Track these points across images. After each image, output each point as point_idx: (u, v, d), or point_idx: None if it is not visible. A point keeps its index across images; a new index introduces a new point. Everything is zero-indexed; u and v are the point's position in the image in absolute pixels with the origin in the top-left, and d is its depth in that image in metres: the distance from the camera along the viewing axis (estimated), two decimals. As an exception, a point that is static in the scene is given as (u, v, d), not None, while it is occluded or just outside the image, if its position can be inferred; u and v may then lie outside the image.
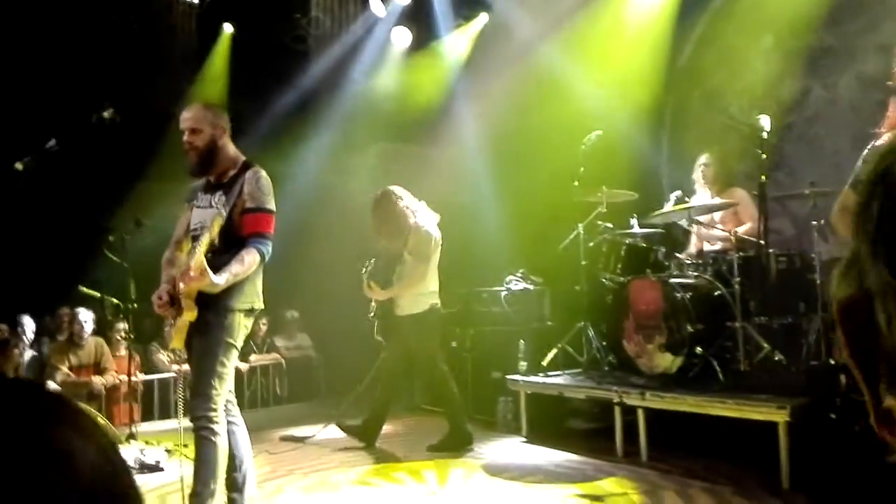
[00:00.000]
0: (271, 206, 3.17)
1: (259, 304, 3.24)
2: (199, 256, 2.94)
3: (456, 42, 8.20)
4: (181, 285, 2.98)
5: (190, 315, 3.01)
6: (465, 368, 5.94)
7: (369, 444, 5.04)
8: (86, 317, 5.77)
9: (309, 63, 8.08)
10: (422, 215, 4.89)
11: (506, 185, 6.78)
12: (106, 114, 3.76)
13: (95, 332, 5.98)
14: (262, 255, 3.08)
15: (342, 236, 7.21)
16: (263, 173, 3.20)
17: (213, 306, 3.04)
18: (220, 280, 2.95)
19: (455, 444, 4.77)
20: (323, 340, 7.80)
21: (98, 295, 5.44)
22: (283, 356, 7.48)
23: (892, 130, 2.90)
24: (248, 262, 3.02)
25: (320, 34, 7.85)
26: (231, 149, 3.27)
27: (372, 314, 5.10)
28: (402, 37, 8.17)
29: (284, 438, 5.43)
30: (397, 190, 4.94)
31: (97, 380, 5.88)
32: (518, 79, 7.04)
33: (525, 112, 6.84)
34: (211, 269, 2.96)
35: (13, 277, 5.81)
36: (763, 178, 4.34)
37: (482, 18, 8.04)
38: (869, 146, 3.00)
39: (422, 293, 4.81)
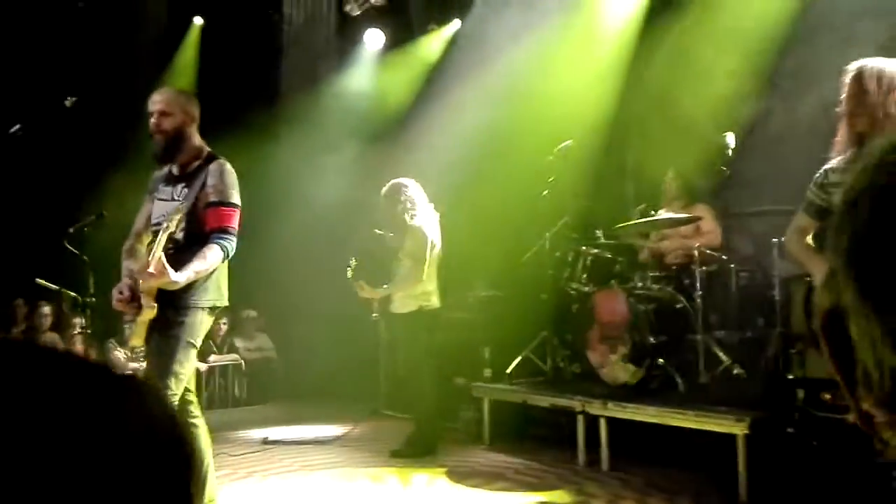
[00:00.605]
0: (236, 199, 3.09)
1: (222, 302, 3.17)
2: (159, 253, 2.86)
3: (428, 46, 8.21)
4: (141, 282, 2.91)
5: (149, 313, 2.92)
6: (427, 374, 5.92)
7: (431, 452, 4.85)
8: (47, 311, 5.60)
9: (280, 59, 8.00)
10: (421, 215, 4.87)
11: (474, 190, 6.80)
12: (67, 102, 3.68)
13: (53, 327, 5.81)
14: (226, 252, 3.00)
15: (310, 236, 7.16)
16: (228, 166, 3.12)
17: (175, 304, 2.98)
18: (181, 278, 2.88)
19: (418, 451, 4.76)
20: (285, 342, 7.71)
21: (56, 288, 5.28)
22: (242, 357, 7.36)
23: (840, 155, 2.99)
24: (210, 259, 2.94)
25: (292, 31, 7.77)
26: (197, 139, 3.18)
27: (375, 315, 5.10)
28: (375, 38, 8.15)
29: (267, 441, 5.33)
30: (404, 184, 4.93)
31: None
32: (489, 86, 7.08)
33: (495, 119, 6.87)
34: (173, 265, 2.88)
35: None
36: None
37: (455, 24, 8.07)
38: (820, 171, 3.10)
39: (412, 293, 4.81)
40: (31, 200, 6.31)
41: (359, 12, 7.66)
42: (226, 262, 3.09)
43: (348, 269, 5.04)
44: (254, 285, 7.19)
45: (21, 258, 5.79)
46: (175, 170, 3.18)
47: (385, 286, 4.94)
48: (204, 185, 3.04)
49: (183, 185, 3.10)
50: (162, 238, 2.89)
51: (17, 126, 3.13)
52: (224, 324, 7.27)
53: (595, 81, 6.58)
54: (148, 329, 2.98)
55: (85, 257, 4.66)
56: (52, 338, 5.85)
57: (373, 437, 5.43)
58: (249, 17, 7.74)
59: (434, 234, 4.88)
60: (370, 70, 8.30)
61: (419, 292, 4.82)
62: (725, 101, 6.16)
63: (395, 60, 8.26)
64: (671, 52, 6.55)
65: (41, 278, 5.26)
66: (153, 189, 3.25)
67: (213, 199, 3.02)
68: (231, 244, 3.02)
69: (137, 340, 3.01)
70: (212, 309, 3.10)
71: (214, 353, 7.17)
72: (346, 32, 8.09)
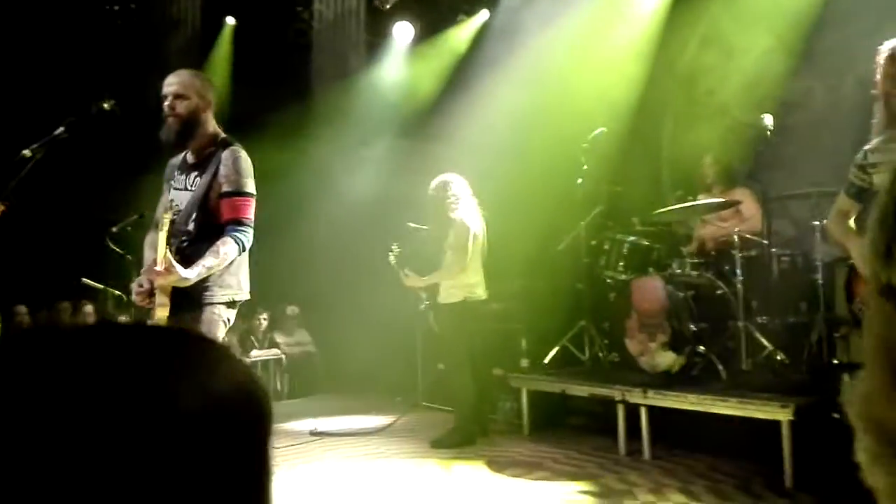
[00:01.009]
0: (250, 188, 2.94)
1: (242, 296, 3.02)
2: (163, 251, 2.76)
3: (458, 37, 8.19)
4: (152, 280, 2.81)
5: (161, 311, 2.78)
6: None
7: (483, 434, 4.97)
8: (90, 310, 5.74)
9: (310, 55, 8.05)
10: (464, 208, 4.92)
11: (507, 180, 6.77)
12: (106, 105, 3.72)
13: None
14: (241, 244, 2.85)
15: (346, 230, 7.21)
16: (242, 153, 2.97)
17: (193, 300, 2.85)
18: (191, 274, 2.76)
19: (458, 441, 4.78)
20: (323, 336, 7.79)
21: (100, 287, 5.41)
22: (283, 352, 7.46)
23: (879, 136, 2.92)
24: (223, 252, 2.80)
25: (322, 27, 7.82)
26: (212, 125, 3.04)
27: (423, 305, 5.15)
28: (405, 31, 8.16)
29: (314, 433, 5.41)
30: (450, 180, 5.00)
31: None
32: (520, 75, 7.04)
33: (527, 108, 6.83)
34: (186, 257, 2.80)
35: (12, 267, 5.77)
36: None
37: (483, 14, 8.04)
38: (859, 151, 3.03)
39: (457, 284, 4.86)
40: (74, 201, 6.47)
41: (388, 6, 7.68)
42: (245, 253, 2.97)
43: (390, 254, 5.08)
44: (292, 281, 7.29)
45: (65, 258, 5.94)
46: (190, 157, 3.06)
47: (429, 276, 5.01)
48: (216, 173, 2.91)
49: (196, 173, 2.99)
50: (161, 237, 2.80)
51: (61, 128, 3.16)
52: (265, 319, 7.37)
53: (627, 66, 6.51)
54: (168, 324, 2.97)
55: (128, 256, 4.76)
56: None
57: (415, 428, 5.47)
58: (279, 15, 7.80)
59: (476, 227, 4.91)
60: (400, 63, 8.32)
61: (463, 283, 4.86)
62: (761, 81, 6.05)
63: (425, 52, 8.26)
64: (703, 33, 6.44)
65: (85, 278, 5.39)
66: (169, 177, 3.15)
67: (226, 188, 2.90)
68: (246, 236, 2.89)
69: None
70: (230, 303, 2.97)
71: (256, 348, 7.28)
72: (376, 26, 8.11)
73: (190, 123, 2.96)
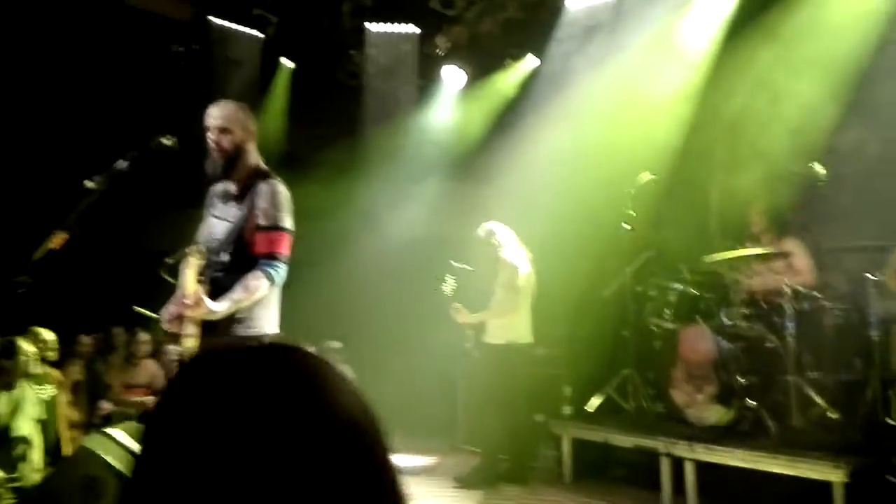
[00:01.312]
0: (287, 224, 2.91)
1: (272, 329, 2.97)
2: (191, 286, 2.76)
3: (506, 81, 8.31)
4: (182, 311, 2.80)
5: (188, 341, 2.75)
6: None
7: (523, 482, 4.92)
8: (144, 338, 5.86)
9: (362, 98, 8.24)
10: (510, 249, 4.98)
11: (553, 223, 6.77)
12: (167, 141, 3.82)
13: (151, 354, 6.08)
14: (271, 279, 2.82)
15: (390, 269, 7.27)
16: (281, 187, 2.95)
17: (222, 333, 2.82)
18: (220, 308, 2.75)
19: (480, 481, 4.75)
20: (365, 373, 7.80)
21: (154, 316, 5.52)
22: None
23: None
24: (253, 287, 2.78)
25: (374, 71, 8.01)
26: (254, 157, 3.04)
27: (469, 343, 5.20)
28: (455, 75, 8.31)
29: None
30: (497, 226, 5.12)
31: (150, 400, 5.94)
32: (567, 118, 7.08)
33: (574, 152, 6.85)
34: (218, 288, 2.80)
35: (71, 294, 5.94)
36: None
37: (531, 59, 8.15)
38: None
39: (506, 325, 4.87)
40: (132, 232, 6.68)
41: (443, 54, 7.85)
42: (277, 288, 2.94)
43: (445, 285, 5.09)
44: (336, 316, 7.35)
45: (120, 287, 6.11)
46: (230, 187, 3.04)
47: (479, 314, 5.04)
48: (254, 205, 2.89)
49: (235, 204, 2.98)
50: (189, 272, 2.79)
51: (123, 162, 3.24)
52: None
53: (674, 110, 6.49)
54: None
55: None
56: (149, 364, 6.12)
57: (452, 471, 5.40)
58: (333, 58, 8.02)
59: (525, 269, 4.93)
60: (450, 106, 8.45)
61: (511, 324, 4.85)
62: (809, 129, 5.97)
63: (473, 96, 8.39)
64: (752, 78, 6.41)
65: (139, 306, 5.51)
66: (209, 204, 3.13)
67: (262, 222, 2.87)
68: (278, 271, 2.85)
69: None
70: (259, 337, 2.90)
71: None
72: (427, 70, 8.28)
73: (234, 157, 2.96)
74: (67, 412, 4.99)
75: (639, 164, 5.99)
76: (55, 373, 4.96)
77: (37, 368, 4.57)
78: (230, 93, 7.66)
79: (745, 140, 6.50)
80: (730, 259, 4.85)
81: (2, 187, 6.25)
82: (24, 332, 4.72)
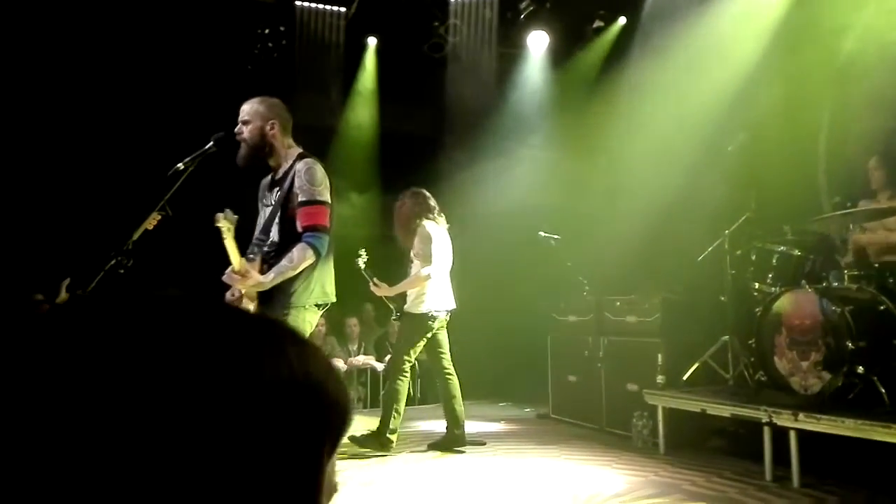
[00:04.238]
0: (324, 196, 3.10)
1: (327, 299, 3.18)
2: (236, 256, 2.95)
3: (594, 45, 8.03)
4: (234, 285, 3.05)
5: None
6: (597, 379, 5.76)
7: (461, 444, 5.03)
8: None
9: (447, 71, 8.19)
10: (430, 220, 4.97)
11: (645, 186, 6.52)
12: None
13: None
14: (316, 250, 3.02)
15: (478, 240, 7.23)
16: (316, 164, 3.14)
17: (277, 302, 3.05)
18: (267, 279, 2.97)
19: (374, 446, 4.84)
20: (452, 343, 7.84)
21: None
22: (416, 358, 7.59)
23: None
24: (298, 258, 2.98)
25: (458, 41, 7.92)
26: (287, 142, 3.23)
27: (394, 316, 5.27)
28: (539, 41, 8.11)
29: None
30: (417, 192, 5.08)
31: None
32: (658, 79, 6.78)
33: (664, 114, 6.55)
34: (269, 265, 3.01)
35: (169, 273, 6.23)
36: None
37: (620, 21, 7.84)
38: None
39: (422, 294, 4.87)
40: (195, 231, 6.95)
41: (524, 17, 7.66)
42: (330, 259, 3.15)
43: (359, 261, 5.17)
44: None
45: (206, 265, 6.36)
46: (274, 175, 3.26)
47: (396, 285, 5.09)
48: (292, 186, 3.10)
49: (278, 188, 3.18)
50: (229, 245, 2.96)
51: (210, 143, 3.34)
52: (355, 325, 7.59)
53: (778, 66, 6.07)
54: None
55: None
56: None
57: (541, 437, 5.36)
58: (417, 31, 7.98)
59: (442, 238, 4.91)
60: (535, 73, 8.27)
61: (428, 294, 4.83)
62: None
63: (561, 62, 8.17)
64: (866, 29, 5.87)
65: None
66: (261, 196, 3.36)
67: (301, 198, 3.07)
68: (321, 241, 3.04)
69: None
70: (316, 306, 3.14)
71: (390, 353, 7.48)
72: (511, 37, 8.11)
73: (254, 146, 3.17)
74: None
75: (740, 120, 5.66)
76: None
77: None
78: (316, 72, 7.79)
79: (856, 93, 5.99)
80: (838, 217, 4.50)
81: (100, 172, 6.62)
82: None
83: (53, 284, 5.30)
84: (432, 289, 4.95)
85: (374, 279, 5.18)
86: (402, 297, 5.14)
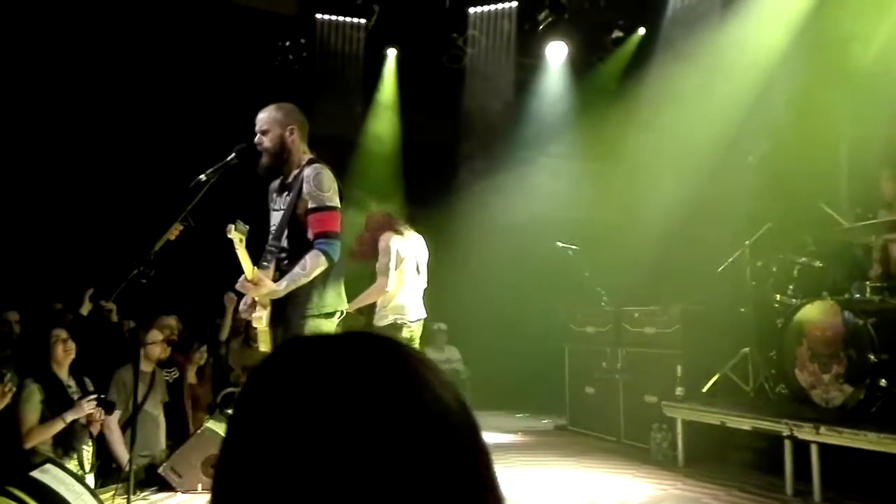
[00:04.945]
0: (333, 202, 3.07)
1: (341, 306, 3.15)
2: (248, 265, 2.92)
3: (614, 55, 8.03)
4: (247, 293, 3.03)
5: (258, 322, 3.03)
6: (615, 390, 5.72)
7: None
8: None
9: (466, 81, 8.23)
10: (394, 235, 4.92)
11: (664, 197, 6.49)
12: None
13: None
14: (329, 256, 2.98)
15: (495, 249, 7.25)
16: (324, 170, 3.10)
17: (294, 311, 3.02)
18: (280, 287, 2.94)
19: None
20: (471, 354, 7.85)
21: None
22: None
23: None
24: (311, 265, 2.95)
25: (476, 52, 7.96)
26: (301, 148, 3.21)
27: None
28: (558, 51, 8.12)
29: None
30: (382, 211, 5.09)
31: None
32: (677, 89, 6.75)
33: (684, 124, 6.53)
34: (281, 272, 3.00)
35: (191, 282, 6.27)
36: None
37: (640, 32, 7.84)
38: None
39: (385, 306, 4.82)
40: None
41: (543, 28, 7.68)
42: (341, 265, 3.11)
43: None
44: (441, 298, 7.41)
45: (223, 276, 6.39)
46: (283, 180, 3.24)
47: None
48: (300, 192, 3.06)
49: (287, 193, 3.15)
50: (241, 254, 2.91)
51: (232, 155, 3.32)
52: None
53: (800, 67, 6.01)
54: (272, 336, 3.08)
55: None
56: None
57: (558, 448, 5.34)
58: (436, 42, 8.03)
59: (404, 250, 4.85)
60: (554, 84, 8.28)
61: (391, 305, 4.79)
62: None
63: (579, 72, 8.17)
64: (892, 35, 5.80)
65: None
66: (270, 200, 3.32)
67: (311, 205, 3.03)
68: (332, 248, 3.00)
69: (264, 347, 3.13)
70: (329, 314, 3.10)
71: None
72: (529, 47, 8.14)
73: (276, 154, 3.15)
74: (194, 394, 5.31)
75: (762, 130, 5.62)
76: (180, 357, 5.29)
77: (164, 353, 4.88)
78: (337, 84, 7.86)
79: (880, 101, 5.91)
80: (860, 228, 4.45)
81: (123, 183, 6.70)
82: (150, 319, 5.04)
83: (77, 294, 5.37)
84: (396, 300, 4.96)
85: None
86: (372, 310, 5.15)
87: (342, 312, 3.20)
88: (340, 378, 0.52)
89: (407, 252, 5.05)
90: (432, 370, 0.56)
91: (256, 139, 3.19)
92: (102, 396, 4.11)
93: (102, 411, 4.02)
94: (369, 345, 0.56)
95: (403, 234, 5.05)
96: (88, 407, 3.93)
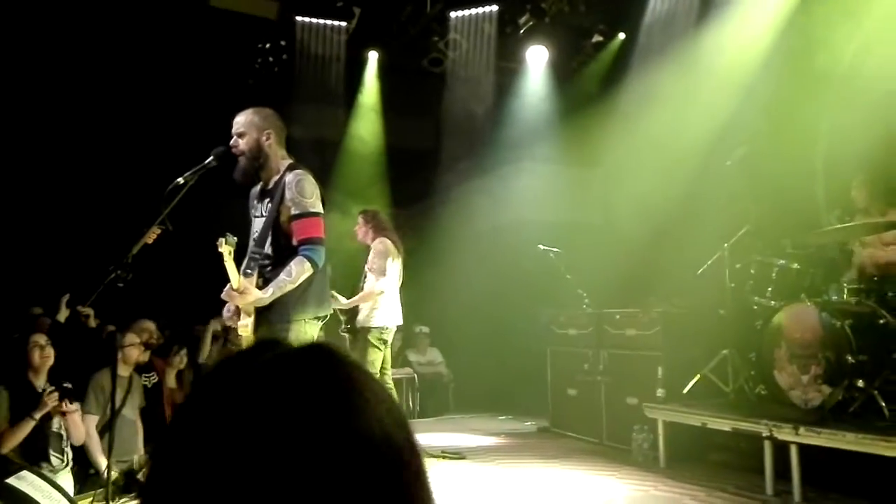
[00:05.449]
0: (316, 208, 3.07)
1: (324, 311, 3.16)
2: (235, 275, 2.93)
3: (594, 59, 8.08)
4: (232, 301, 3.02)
5: (243, 329, 3.03)
6: (597, 392, 5.75)
7: None
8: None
9: (447, 86, 8.22)
10: (385, 236, 5.03)
11: (644, 200, 6.54)
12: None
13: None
14: (313, 262, 2.99)
15: (477, 254, 7.25)
16: (305, 175, 3.10)
17: (276, 317, 3.03)
18: (266, 294, 2.95)
19: None
20: (453, 357, 7.84)
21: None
22: (416, 371, 7.56)
23: None
24: (296, 272, 2.96)
25: (457, 56, 7.96)
26: (279, 153, 3.20)
27: (342, 329, 5.19)
28: (539, 55, 8.15)
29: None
30: (375, 212, 5.22)
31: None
32: (656, 93, 6.81)
33: (663, 128, 6.58)
34: (268, 280, 2.99)
35: (169, 286, 6.21)
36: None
37: (619, 36, 7.90)
38: None
39: (374, 309, 4.88)
40: (217, 226, 6.95)
41: (523, 31, 7.70)
42: (325, 270, 3.11)
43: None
44: (423, 301, 7.41)
45: (217, 278, 6.34)
46: (263, 186, 3.23)
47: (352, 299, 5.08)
48: (283, 198, 3.06)
49: (268, 199, 3.14)
50: (228, 265, 2.92)
51: (210, 158, 3.30)
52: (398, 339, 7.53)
53: (777, 72, 6.07)
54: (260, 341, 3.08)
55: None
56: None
57: (539, 451, 5.35)
58: (417, 46, 8.02)
59: (396, 257, 4.99)
60: (535, 87, 8.31)
61: (380, 308, 4.86)
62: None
63: (560, 76, 8.20)
64: (867, 39, 5.88)
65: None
66: (251, 206, 3.32)
67: (294, 211, 3.04)
68: (317, 254, 3.01)
69: None
70: (312, 319, 3.11)
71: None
72: (510, 52, 8.15)
73: (252, 158, 3.13)
74: (173, 399, 5.25)
75: (740, 133, 5.67)
76: (159, 361, 5.23)
77: (142, 356, 4.83)
78: (317, 87, 7.82)
79: (856, 104, 5.99)
80: (837, 231, 4.51)
81: (99, 186, 6.62)
82: (128, 323, 4.98)
83: (53, 298, 5.30)
84: (385, 303, 4.97)
85: (333, 292, 5.17)
86: (354, 311, 5.14)
87: (325, 317, 3.19)
88: (269, 401, 0.51)
89: (398, 259, 5.11)
90: (372, 391, 0.55)
91: (232, 141, 3.17)
92: (65, 386, 4.05)
93: (67, 401, 3.98)
94: (311, 362, 0.55)
95: (393, 240, 5.11)
96: (51, 400, 3.87)
